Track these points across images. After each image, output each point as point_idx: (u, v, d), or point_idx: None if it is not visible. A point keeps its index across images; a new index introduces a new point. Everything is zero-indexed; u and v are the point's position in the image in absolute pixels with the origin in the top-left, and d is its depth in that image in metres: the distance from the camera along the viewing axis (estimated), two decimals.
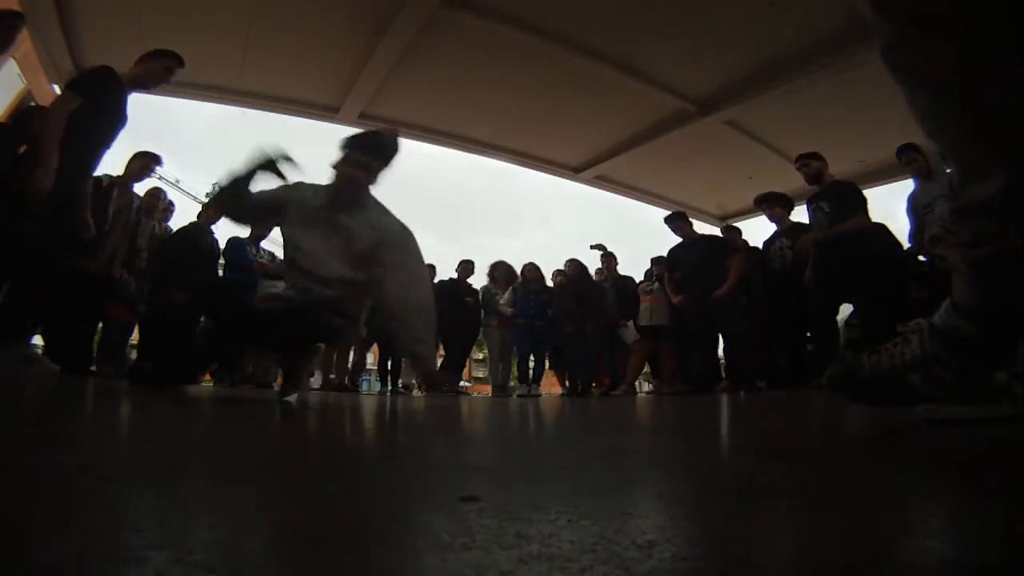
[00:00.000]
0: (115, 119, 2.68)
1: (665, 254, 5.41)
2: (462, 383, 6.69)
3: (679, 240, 4.83)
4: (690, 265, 4.58)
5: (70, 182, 2.52)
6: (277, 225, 2.36)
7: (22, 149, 2.76)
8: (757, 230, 8.96)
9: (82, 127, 2.47)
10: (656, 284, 5.17)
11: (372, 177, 2.11)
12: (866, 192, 3.91)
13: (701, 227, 6.64)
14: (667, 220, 4.87)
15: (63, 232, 2.61)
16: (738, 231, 5.36)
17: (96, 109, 2.51)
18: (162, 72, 2.76)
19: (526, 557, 0.28)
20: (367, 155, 2.09)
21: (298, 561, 0.27)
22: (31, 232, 2.46)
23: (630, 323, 5.23)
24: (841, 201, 3.71)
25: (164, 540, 0.29)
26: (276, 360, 2.82)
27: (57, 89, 4.97)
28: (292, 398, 2.06)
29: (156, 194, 4.58)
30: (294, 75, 5.17)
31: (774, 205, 4.44)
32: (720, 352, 4.88)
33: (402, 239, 2.09)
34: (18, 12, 2.80)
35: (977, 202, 0.70)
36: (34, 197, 2.29)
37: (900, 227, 4.04)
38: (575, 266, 5.39)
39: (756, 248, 4.76)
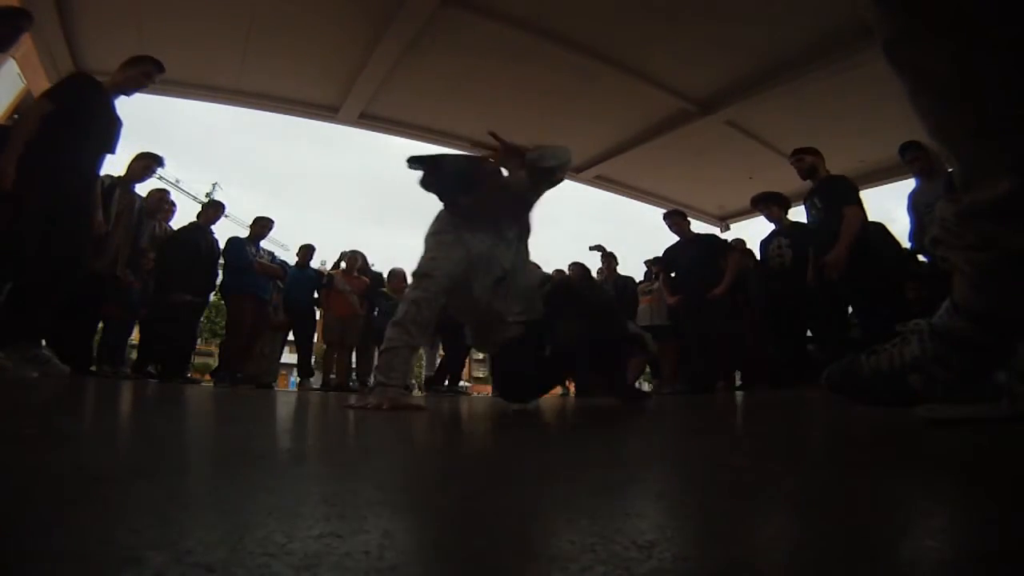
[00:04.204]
0: (102, 121, 2.75)
1: (657, 253, 5.42)
2: (462, 383, 6.69)
3: (676, 239, 4.84)
4: (685, 264, 4.59)
5: (75, 185, 2.64)
6: None
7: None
8: (756, 230, 8.96)
9: (68, 131, 2.55)
10: (655, 284, 5.18)
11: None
12: (866, 192, 3.87)
13: (700, 226, 6.70)
14: (665, 217, 4.89)
15: (75, 234, 2.70)
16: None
17: (77, 114, 2.60)
18: (141, 77, 2.88)
19: (526, 557, 0.28)
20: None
21: (299, 561, 0.27)
22: (40, 235, 2.50)
23: (630, 324, 5.22)
24: (832, 194, 3.63)
25: (164, 540, 0.29)
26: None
27: None
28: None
29: (162, 195, 4.60)
30: (294, 75, 5.17)
31: (771, 205, 4.44)
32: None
33: None
34: (26, 11, 2.81)
35: (982, 204, 0.68)
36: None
37: (898, 228, 4.06)
38: (578, 269, 5.39)
39: (749, 249, 4.77)
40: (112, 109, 2.79)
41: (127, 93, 2.87)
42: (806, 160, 3.85)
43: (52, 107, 2.54)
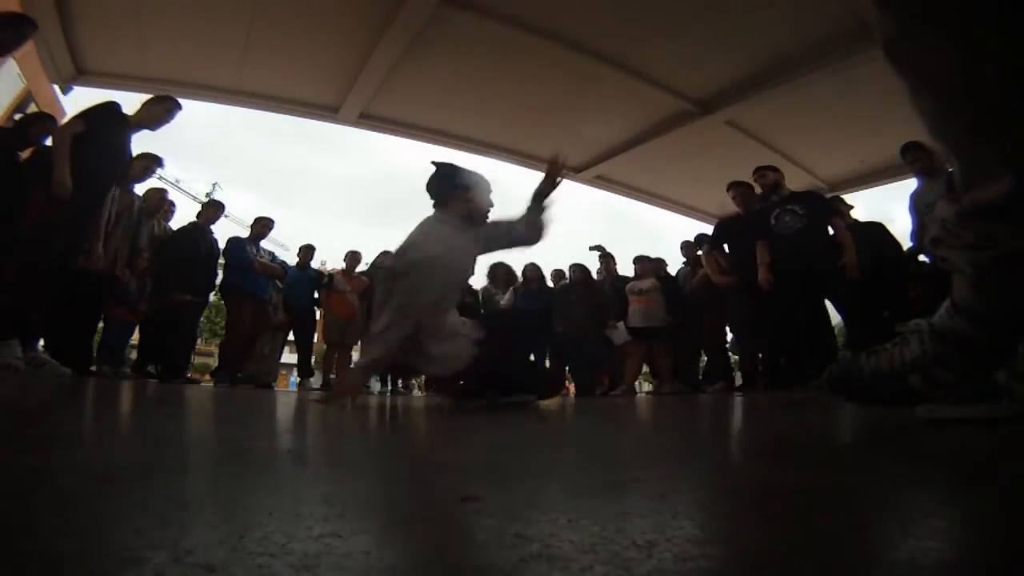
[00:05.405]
0: (118, 151, 2.95)
1: (657, 253, 5.39)
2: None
3: (727, 216, 4.42)
4: (747, 245, 4.02)
5: (85, 210, 2.83)
6: None
7: (24, 155, 2.95)
8: None
9: (89, 152, 2.72)
10: (647, 285, 5.11)
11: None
12: (866, 192, 3.98)
13: (699, 225, 6.68)
14: (730, 187, 4.36)
15: (73, 240, 2.85)
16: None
17: (99, 139, 2.79)
18: (164, 114, 3.13)
19: (526, 557, 0.28)
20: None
21: (299, 561, 0.27)
22: (40, 236, 2.55)
23: (620, 324, 5.13)
24: (818, 207, 3.88)
25: (164, 540, 0.29)
26: None
27: (57, 89, 4.99)
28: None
29: (161, 195, 4.61)
30: (294, 75, 5.17)
31: None
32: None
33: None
34: (29, 18, 2.83)
35: (982, 204, 0.67)
36: (59, 193, 2.58)
37: (898, 228, 4.09)
38: (580, 272, 5.37)
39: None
40: (129, 144, 2.98)
41: (151, 128, 3.09)
42: (769, 176, 4.07)
43: (84, 127, 2.71)
